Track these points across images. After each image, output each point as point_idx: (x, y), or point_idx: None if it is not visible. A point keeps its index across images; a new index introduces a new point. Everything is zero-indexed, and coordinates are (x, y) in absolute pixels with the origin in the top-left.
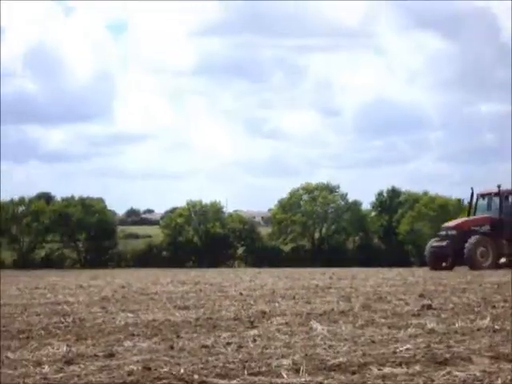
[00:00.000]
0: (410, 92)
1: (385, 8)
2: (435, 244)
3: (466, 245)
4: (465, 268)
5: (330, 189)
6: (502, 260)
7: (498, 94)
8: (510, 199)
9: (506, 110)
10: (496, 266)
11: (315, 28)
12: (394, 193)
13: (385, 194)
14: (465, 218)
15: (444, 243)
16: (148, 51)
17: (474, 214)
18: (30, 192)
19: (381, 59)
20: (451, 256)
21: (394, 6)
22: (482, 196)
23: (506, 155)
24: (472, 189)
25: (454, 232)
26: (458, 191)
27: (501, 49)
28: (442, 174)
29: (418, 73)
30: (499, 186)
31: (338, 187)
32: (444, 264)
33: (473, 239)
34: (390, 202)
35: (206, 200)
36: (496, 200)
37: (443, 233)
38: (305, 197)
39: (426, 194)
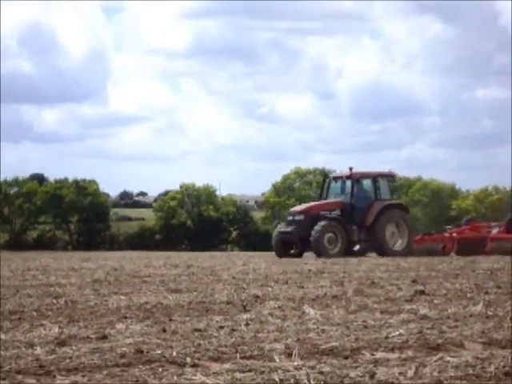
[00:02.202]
0: (407, 77)
1: None
2: (282, 229)
3: (313, 231)
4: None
5: (325, 173)
6: (357, 247)
7: (496, 80)
8: (363, 183)
9: (504, 95)
10: (350, 253)
11: (312, 11)
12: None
13: None
14: (314, 203)
15: (290, 229)
16: (142, 33)
17: (327, 198)
18: (24, 173)
19: (378, 43)
20: (298, 242)
21: None
22: (335, 179)
23: (503, 141)
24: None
25: (301, 217)
26: (455, 176)
27: (500, 34)
28: (438, 160)
29: (415, 57)
30: (351, 169)
31: (334, 172)
32: (291, 251)
33: (320, 225)
34: None
35: (199, 183)
36: (348, 183)
37: (290, 218)
38: (299, 181)
39: (419, 179)
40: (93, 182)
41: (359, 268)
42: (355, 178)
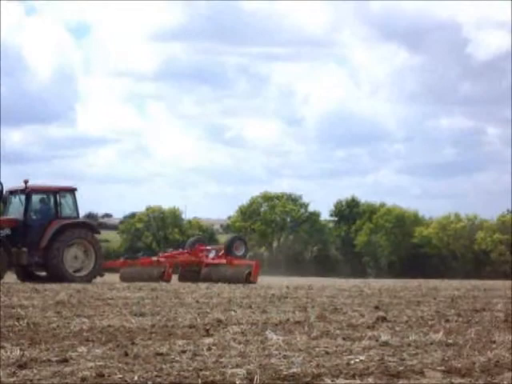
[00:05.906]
0: (372, 103)
1: (349, 19)
2: None
3: None
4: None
5: (292, 198)
6: (43, 273)
7: (460, 109)
8: (44, 198)
9: (467, 124)
10: (31, 278)
11: (279, 36)
12: (353, 202)
13: (343, 204)
14: None
15: None
16: (110, 55)
17: (7, 215)
18: None
19: (344, 70)
20: None
21: (358, 17)
22: (12, 193)
23: (465, 169)
24: (1, 184)
25: None
26: (418, 204)
27: (465, 62)
28: (402, 187)
29: (381, 85)
30: (26, 182)
31: (301, 198)
32: None
33: None
34: (350, 212)
35: (165, 206)
36: (23, 199)
37: None
38: (265, 205)
39: (382, 205)
40: None
41: (322, 294)
42: (30, 193)
